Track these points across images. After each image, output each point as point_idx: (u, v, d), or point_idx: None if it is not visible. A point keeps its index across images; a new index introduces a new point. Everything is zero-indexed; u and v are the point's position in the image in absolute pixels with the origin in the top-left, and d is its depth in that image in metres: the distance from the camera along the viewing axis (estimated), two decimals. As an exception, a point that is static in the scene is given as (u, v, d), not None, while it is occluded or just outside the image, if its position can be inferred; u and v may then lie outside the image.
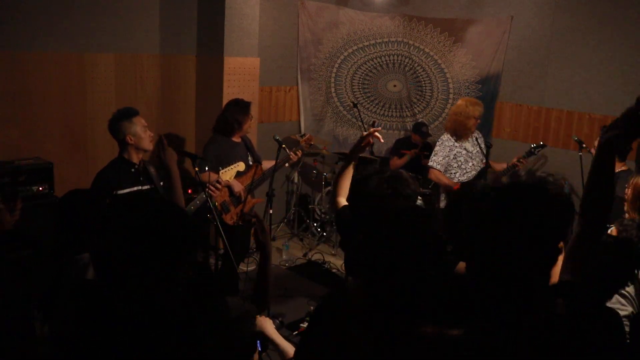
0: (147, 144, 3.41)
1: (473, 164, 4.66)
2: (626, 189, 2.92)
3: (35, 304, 2.21)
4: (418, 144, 5.90)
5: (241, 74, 5.19)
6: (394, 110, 6.73)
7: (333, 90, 6.63)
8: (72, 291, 1.80)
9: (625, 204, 2.90)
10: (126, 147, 3.37)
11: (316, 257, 5.64)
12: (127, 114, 3.38)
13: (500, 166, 4.76)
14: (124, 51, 4.90)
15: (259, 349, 2.11)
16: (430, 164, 4.68)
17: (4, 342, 2.51)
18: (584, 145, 4.90)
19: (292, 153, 4.41)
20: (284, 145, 4.18)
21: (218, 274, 4.33)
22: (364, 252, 1.57)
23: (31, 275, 2.79)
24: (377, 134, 2.74)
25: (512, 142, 6.01)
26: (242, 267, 4.79)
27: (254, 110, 4.59)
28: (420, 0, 6.42)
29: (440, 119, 6.45)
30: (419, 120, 6.30)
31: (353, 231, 2.30)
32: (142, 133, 3.37)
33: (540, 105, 5.85)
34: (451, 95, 6.40)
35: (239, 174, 4.27)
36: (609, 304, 2.17)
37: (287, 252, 5.65)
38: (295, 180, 6.34)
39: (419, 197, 2.51)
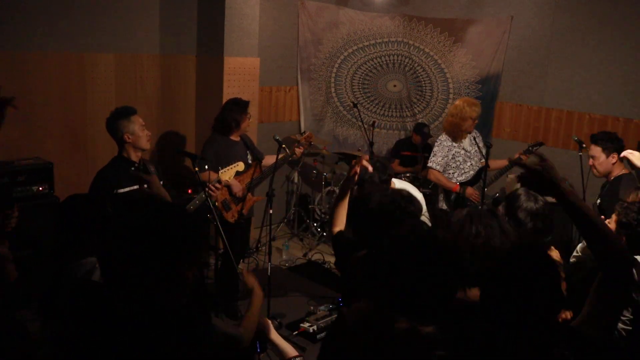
0: (145, 143, 3.42)
1: (471, 164, 4.66)
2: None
3: (32, 304, 2.21)
4: (418, 144, 5.90)
5: (241, 74, 5.19)
6: (394, 110, 6.73)
7: (333, 90, 6.63)
8: (72, 291, 1.80)
9: None
10: (124, 145, 3.38)
11: (316, 257, 5.63)
12: (124, 112, 3.39)
13: (500, 163, 4.74)
14: (124, 51, 4.90)
15: (258, 350, 2.12)
16: (429, 164, 4.67)
17: (4, 342, 2.51)
18: (584, 145, 4.88)
19: (295, 149, 4.42)
20: (284, 145, 4.18)
21: (218, 274, 4.33)
22: (368, 268, 1.57)
23: (31, 275, 2.78)
24: (364, 162, 2.73)
25: (512, 142, 6.00)
26: (242, 267, 4.79)
27: (254, 111, 4.58)
28: (420, 0, 6.42)
29: (440, 119, 6.45)
30: (420, 121, 6.31)
31: (352, 250, 2.31)
32: (139, 132, 3.38)
33: (540, 105, 5.85)
34: (451, 95, 6.40)
35: (238, 174, 4.27)
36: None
37: (287, 252, 5.65)
38: (295, 180, 6.33)
39: (422, 213, 2.51)
